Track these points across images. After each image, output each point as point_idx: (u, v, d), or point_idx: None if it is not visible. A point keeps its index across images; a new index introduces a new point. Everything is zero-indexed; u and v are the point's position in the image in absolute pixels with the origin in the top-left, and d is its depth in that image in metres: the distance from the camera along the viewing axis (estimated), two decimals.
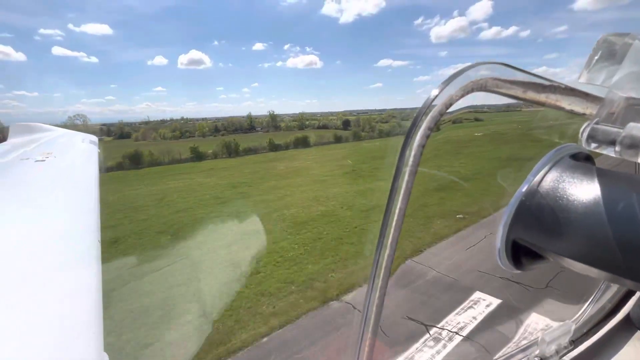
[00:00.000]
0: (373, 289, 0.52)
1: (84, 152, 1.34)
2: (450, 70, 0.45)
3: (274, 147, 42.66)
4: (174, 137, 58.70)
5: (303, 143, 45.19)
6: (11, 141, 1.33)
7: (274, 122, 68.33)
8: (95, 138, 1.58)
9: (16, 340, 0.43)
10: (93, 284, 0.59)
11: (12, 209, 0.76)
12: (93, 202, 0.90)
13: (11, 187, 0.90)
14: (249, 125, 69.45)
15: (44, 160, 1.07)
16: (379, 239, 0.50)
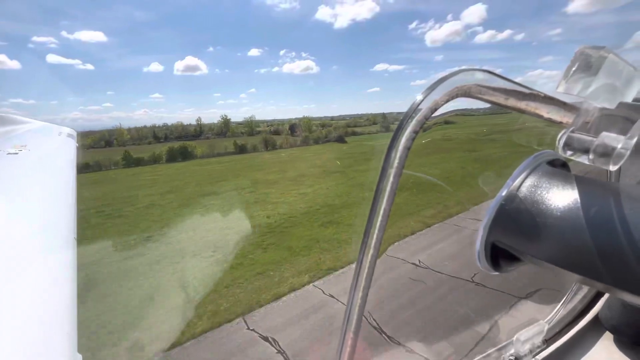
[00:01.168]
0: (356, 289, 0.53)
1: (61, 146, 1.29)
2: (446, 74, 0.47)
3: (134, 162, 33.11)
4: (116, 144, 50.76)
5: (182, 155, 35.82)
6: None
7: (226, 127, 62.68)
8: (73, 131, 1.52)
9: None
10: (68, 282, 0.57)
11: None
12: (70, 198, 0.87)
13: None
14: (196, 131, 63.38)
15: (16, 154, 1.02)
16: (363, 240, 0.51)
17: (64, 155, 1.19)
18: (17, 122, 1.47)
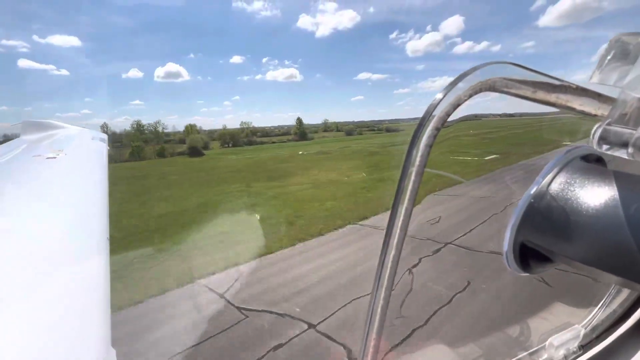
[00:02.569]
0: (379, 288, 0.52)
1: (94, 150, 1.36)
2: (429, 84, 0.45)
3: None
4: None
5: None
6: (23, 138, 1.36)
7: (140, 132, 49.11)
8: (104, 136, 1.60)
9: (23, 336, 0.43)
10: (101, 279, 0.60)
11: (23, 205, 0.78)
12: (103, 200, 0.91)
13: (23, 183, 0.91)
14: None
15: (54, 158, 1.08)
16: (385, 239, 0.50)
17: (97, 158, 1.25)
18: (55, 127, 1.56)
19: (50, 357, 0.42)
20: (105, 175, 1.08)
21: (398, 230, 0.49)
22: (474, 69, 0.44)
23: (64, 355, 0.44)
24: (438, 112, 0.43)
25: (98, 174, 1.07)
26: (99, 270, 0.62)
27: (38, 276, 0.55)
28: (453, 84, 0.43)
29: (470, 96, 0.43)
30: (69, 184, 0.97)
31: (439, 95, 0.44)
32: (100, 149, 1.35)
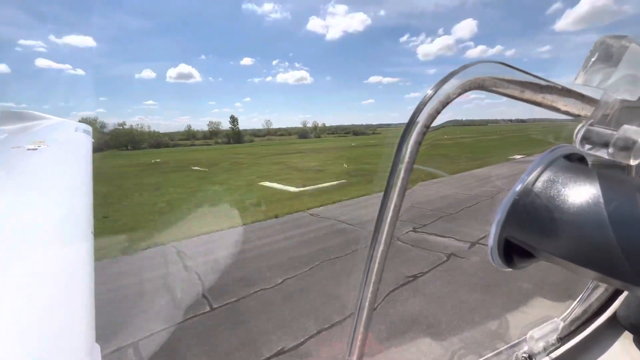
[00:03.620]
0: (366, 284, 0.53)
1: (77, 141, 1.32)
2: None
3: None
4: None
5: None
6: (1, 129, 1.31)
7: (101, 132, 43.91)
8: (89, 127, 1.55)
9: (4, 331, 0.42)
10: (86, 274, 0.59)
11: (2, 198, 0.75)
12: (87, 192, 0.89)
13: (3, 176, 0.88)
14: None
15: (36, 149, 1.05)
16: (373, 235, 0.51)
17: (80, 150, 1.21)
18: (36, 118, 1.51)
19: (33, 353, 0.41)
20: (89, 167, 1.05)
21: (387, 226, 0.49)
22: (463, 67, 0.44)
23: (47, 351, 0.43)
24: (427, 110, 0.44)
25: (82, 166, 1.04)
26: (84, 265, 0.61)
27: (20, 271, 0.54)
28: (442, 82, 0.44)
29: (460, 94, 0.44)
30: (51, 176, 0.94)
31: (429, 93, 0.44)
32: (83, 141, 1.31)
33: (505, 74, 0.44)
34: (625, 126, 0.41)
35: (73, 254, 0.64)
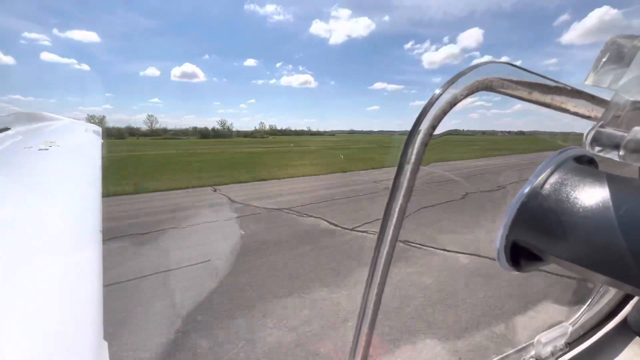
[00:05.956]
0: (371, 285, 0.53)
1: (88, 142, 1.34)
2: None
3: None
4: None
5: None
6: (15, 129, 1.34)
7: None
8: (98, 128, 1.57)
9: (14, 330, 0.43)
10: (94, 273, 0.60)
11: (13, 197, 0.77)
12: (96, 192, 0.90)
13: (14, 175, 0.90)
14: None
15: (47, 149, 1.07)
16: (379, 236, 0.51)
17: (90, 151, 1.23)
18: (48, 119, 1.54)
19: (41, 351, 0.42)
20: (99, 167, 1.06)
21: (392, 227, 0.49)
22: (471, 68, 0.44)
23: (55, 349, 0.43)
24: (434, 111, 0.44)
25: (92, 166, 1.06)
26: (92, 263, 0.62)
27: (29, 270, 0.55)
28: (450, 83, 0.43)
29: (467, 95, 0.44)
30: (62, 176, 0.96)
31: (437, 93, 0.44)
32: (94, 141, 1.33)
33: (514, 75, 0.44)
34: (637, 128, 0.40)
35: (82, 253, 0.65)
